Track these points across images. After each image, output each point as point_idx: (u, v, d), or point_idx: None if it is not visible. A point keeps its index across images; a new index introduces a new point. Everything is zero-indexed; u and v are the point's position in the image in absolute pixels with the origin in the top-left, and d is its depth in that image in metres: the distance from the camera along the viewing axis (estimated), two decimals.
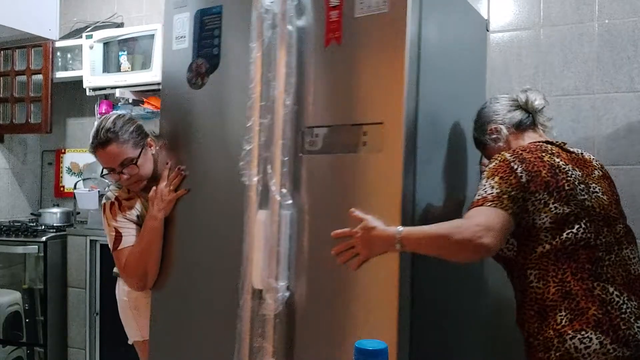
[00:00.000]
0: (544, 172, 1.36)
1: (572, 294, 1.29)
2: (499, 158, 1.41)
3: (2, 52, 3.26)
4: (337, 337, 1.42)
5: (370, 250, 1.32)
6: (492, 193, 1.32)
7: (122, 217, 1.77)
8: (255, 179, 1.51)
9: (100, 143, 1.71)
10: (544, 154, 1.41)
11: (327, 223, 1.41)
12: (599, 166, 1.52)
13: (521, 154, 1.40)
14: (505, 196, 1.31)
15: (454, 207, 1.69)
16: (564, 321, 1.27)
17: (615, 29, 2.22)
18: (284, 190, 1.47)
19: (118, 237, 1.74)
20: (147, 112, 2.93)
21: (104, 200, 1.83)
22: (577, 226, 1.33)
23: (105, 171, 1.78)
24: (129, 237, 1.75)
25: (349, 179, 1.43)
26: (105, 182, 3.03)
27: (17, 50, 3.22)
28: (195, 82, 1.69)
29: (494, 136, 1.58)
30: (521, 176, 1.34)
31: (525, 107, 1.56)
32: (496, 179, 1.35)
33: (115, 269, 1.89)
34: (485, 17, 2.41)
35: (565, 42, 2.29)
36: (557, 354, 1.26)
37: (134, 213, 1.80)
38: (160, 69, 2.71)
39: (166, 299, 1.73)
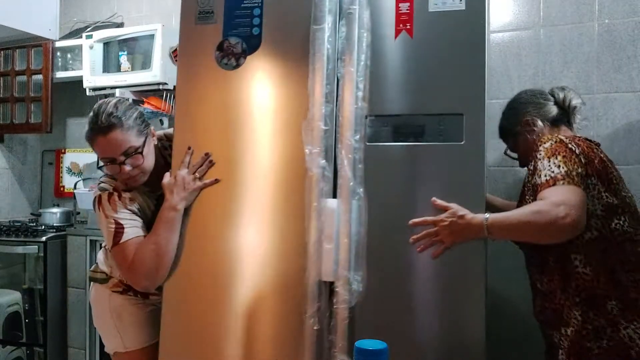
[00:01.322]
0: (596, 161, 1.39)
1: (622, 284, 1.29)
2: (554, 139, 1.42)
3: (2, 52, 3.26)
4: (413, 331, 1.40)
5: (457, 238, 1.33)
6: (560, 172, 1.32)
7: (123, 208, 1.58)
8: (323, 165, 1.45)
9: (102, 129, 1.51)
10: (591, 146, 1.44)
11: (398, 213, 1.42)
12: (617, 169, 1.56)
13: (574, 139, 1.42)
14: (574, 173, 1.32)
15: None
16: (614, 310, 1.27)
17: (615, 29, 2.22)
18: (355, 179, 1.44)
19: (119, 229, 1.55)
20: (147, 112, 2.93)
21: (97, 192, 1.64)
22: (623, 219, 1.34)
23: (102, 162, 1.59)
24: (133, 228, 1.57)
25: (423, 168, 1.43)
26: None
27: (17, 50, 3.22)
28: (227, 62, 1.58)
29: (528, 128, 1.61)
30: (580, 157, 1.36)
31: (562, 105, 1.58)
32: (559, 157, 1.35)
33: (90, 273, 1.78)
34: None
35: (565, 42, 2.29)
36: (610, 344, 1.26)
37: (134, 205, 1.62)
38: (160, 66, 2.73)
39: (184, 298, 1.59)
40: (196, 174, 1.56)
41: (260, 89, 1.58)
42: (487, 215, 1.32)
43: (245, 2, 1.60)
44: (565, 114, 1.60)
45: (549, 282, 1.41)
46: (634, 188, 2.21)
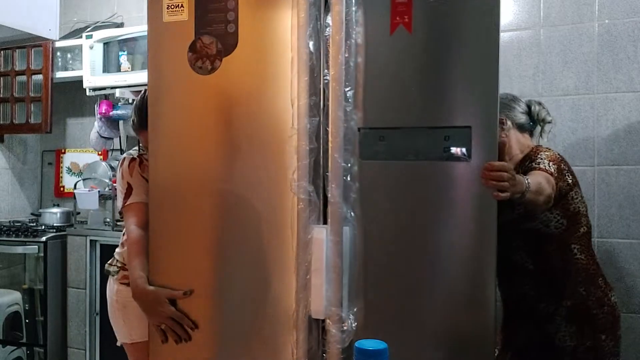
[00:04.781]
0: (573, 174, 1.67)
1: (599, 266, 1.69)
2: (552, 151, 1.66)
3: (2, 52, 3.26)
4: None
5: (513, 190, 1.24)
6: (554, 173, 1.55)
7: (139, 174, 1.69)
8: (310, 190, 1.27)
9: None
10: (568, 164, 1.68)
11: (396, 241, 1.27)
12: None
13: (561, 157, 1.66)
14: (560, 184, 1.57)
15: None
16: (602, 284, 1.66)
17: (615, 29, 2.22)
18: (347, 203, 1.26)
19: (129, 191, 1.66)
20: None
21: (124, 155, 1.77)
22: (588, 219, 1.69)
23: (143, 150, 1.76)
24: (140, 195, 1.65)
25: (425, 189, 1.26)
26: (105, 182, 3.04)
27: (17, 50, 3.22)
28: (202, 65, 1.39)
29: (499, 125, 1.73)
30: (567, 175, 1.61)
31: (534, 117, 1.77)
32: (556, 166, 1.58)
33: (106, 266, 1.83)
34: None
35: (565, 42, 2.29)
36: (609, 308, 1.65)
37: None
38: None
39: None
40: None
41: (239, 98, 1.38)
42: (527, 179, 1.36)
43: None
44: (533, 125, 1.77)
45: (545, 264, 1.66)
46: (635, 189, 2.21)
